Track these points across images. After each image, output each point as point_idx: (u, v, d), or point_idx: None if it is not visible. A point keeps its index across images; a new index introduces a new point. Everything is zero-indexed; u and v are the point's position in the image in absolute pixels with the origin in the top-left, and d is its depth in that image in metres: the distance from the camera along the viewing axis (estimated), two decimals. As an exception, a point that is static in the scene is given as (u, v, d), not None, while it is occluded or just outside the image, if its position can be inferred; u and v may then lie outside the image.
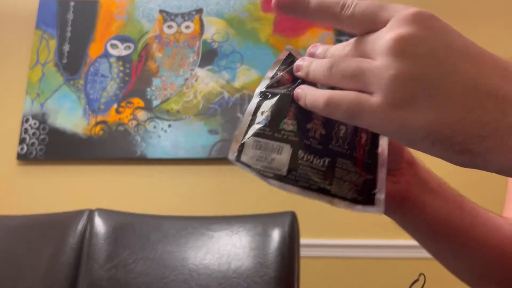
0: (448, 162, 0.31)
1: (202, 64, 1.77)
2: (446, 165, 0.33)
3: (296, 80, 0.37)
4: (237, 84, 1.73)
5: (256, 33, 1.78)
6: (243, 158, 0.36)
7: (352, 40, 0.34)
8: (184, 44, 1.80)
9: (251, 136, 0.36)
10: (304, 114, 0.36)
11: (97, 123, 1.75)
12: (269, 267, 0.95)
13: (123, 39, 1.84)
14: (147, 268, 1.00)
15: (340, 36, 1.72)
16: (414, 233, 0.47)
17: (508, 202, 0.55)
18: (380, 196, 0.36)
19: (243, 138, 0.36)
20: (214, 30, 1.81)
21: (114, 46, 1.84)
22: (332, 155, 0.36)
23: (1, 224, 1.16)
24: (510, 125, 0.27)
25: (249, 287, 0.93)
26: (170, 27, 1.83)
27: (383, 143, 0.38)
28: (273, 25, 1.78)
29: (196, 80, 1.76)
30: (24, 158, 1.75)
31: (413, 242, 0.48)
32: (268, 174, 0.35)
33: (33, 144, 1.75)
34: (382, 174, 0.37)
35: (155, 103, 1.75)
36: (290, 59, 0.39)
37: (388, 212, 0.43)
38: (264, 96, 0.38)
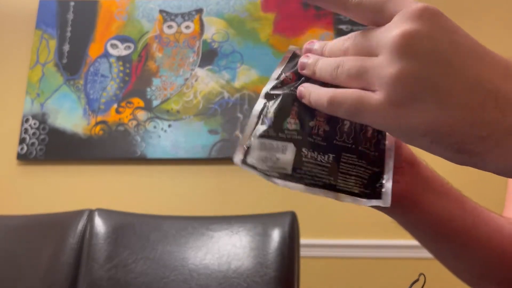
0: (447, 161, 0.31)
1: (202, 64, 1.77)
2: (446, 164, 0.33)
3: (299, 79, 0.37)
4: (237, 84, 1.73)
5: (256, 33, 1.78)
6: (249, 160, 0.36)
7: (352, 35, 0.34)
8: (184, 44, 1.80)
9: (256, 138, 0.37)
10: (306, 112, 0.36)
11: (97, 123, 1.75)
12: (269, 267, 0.95)
13: (123, 39, 1.84)
14: (147, 268, 1.00)
15: (340, 36, 1.72)
16: (414, 232, 0.47)
17: (508, 202, 0.55)
18: (387, 188, 0.36)
19: (249, 140, 0.37)
20: (214, 30, 1.81)
21: (114, 46, 1.84)
22: (337, 151, 0.36)
23: (1, 224, 1.16)
24: (510, 125, 0.27)
25: (249, 287, 0.93)
26: (170, 27, 1.83)
27: (391, 136, 0.39)
28: (273, 25, 1.78)
29: (196, 80, 1.76)
30: (24, 158, 1.75)
31: (413, 242, 0.48)
32: (273, 174, 0.36)
33: (33, 144, 1.75)
34: (389, 166, 0.37)
35: (155, 103, 1.75)
36: (294, 59, 0.40)
37: (386, 210, 0.43)
38: (269, 97, 0.38)
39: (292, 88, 0.37)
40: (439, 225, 0.44)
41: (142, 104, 1.75)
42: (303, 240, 1.09)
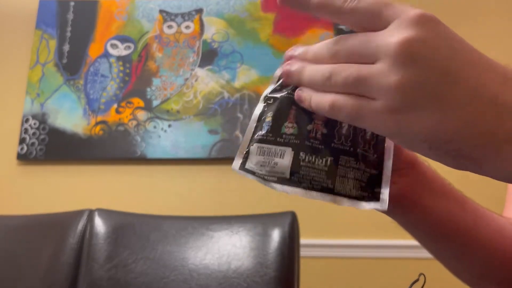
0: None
1: (202, 64, 1.77)
2: (445, 166, 0.33)
3: None
4: (237, 84, 1.73)
5: (256, 33, 1.78)
6: (248, 165, 0.37)
7: (339, 39, 0.33)
8: (184, 44, 1.80)
9: (255, 143, 0.37)
10: (304, 116, 0.36)
11: (97, 123, 1.75)
12: (269, 267, 0.95)
13: (123, 39, 1.84)
14: (147, 268, 1.00)
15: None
16: (414, 233, 0.47)
17: (508, 202, 0.55)
18: (385, 192, 0.36)
19: (248, 145, 0.37)
20: (214, 30, 1.81)
21: (114, 46, 1.84)
22: (335, 154, 0.36)
23: (1, 224, 1.15)
24: (507, 132, 0.28)
25: (249, 287, 0.93)
26: (170, 27, 1.83)
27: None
28: (273, 25, 1.78)
29: (196, 80, 1.76)
30: (24, 158, 1.75)
31: (413, 242, 0.48)
32: (271, 178, 0.36)
33: (33, 144, 1.75)
34: (387, 168, 0.37)
35: (155, 103, 1.75)
36: None
37: (386, 211, 0.43)
38: (268, 101, 0.38)
39: (289, 91, 0.37)
40: (439, 226, 0.44)
41: (142, 104, 1.75)
42: (303, 240, 1.09)
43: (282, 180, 0.36)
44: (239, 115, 1.69)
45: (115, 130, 1.74)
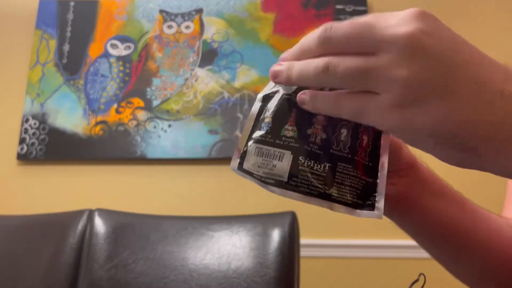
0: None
1: (202, 64, 1.77)
2: (446, 165, 0.33)
3: None
4: (237, 84, 1.73)
5: (256, 33, 1.78)
6: (245, 165, 0.36)
7: (329, 25, 0.31)
8: (184, 44, 1.80)
9: (253, 143, 0.36)
10: (304, 120, 0.36)
11: (97, 123, 1.75)
12: (269, 267, 0.95)
13: (123, 39, 1.84)
14: (147, 268, 1.00)
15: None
16: (413, 234, 0.47)
17: (508, 202, 0.55)
18: (380, 200, 0.36)
19: (246, 145, 0.37)
20: (214, 30, 1.81)
21: (114, 46, 1.84)
22: (333, 160, 0.36)
23: (1, 224, 1.15)
24: None
25: (249, 287, 0.93)
26: (170, 27, 1.83)
27: (385, 146, 0.38)
28: (273, 25, 1.78)
29: (196, 80, 1.76)
30: (24, 158, 1.75)
31: (413, 242, 0.48)
32: (269, 181, 0.36)
33: (33, 144, 1.75)
34: (382, 178, 0.37)
35: (155, 103, 1.75)
36: None
37: (384, 212, 0.43)
38: (265, 101, 0.38)
39: (291, 93, 0.37)
40: (438, 227, 0.44)
41: (142, 104, 1.75)
42: (303, 240, 1.09)
43: (279, 183, 0.35)
44: (239, 115, 1.69)
45: (115, 130, 1.74)
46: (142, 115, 1.74)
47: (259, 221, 1.03)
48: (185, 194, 1.66)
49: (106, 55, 1.83)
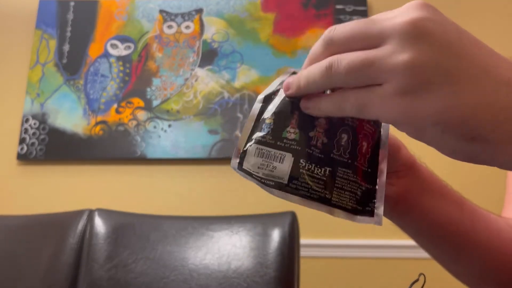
0: (450, 159, 0.30)
1: (202, 64, 1.77)
2: (446, 165, 0.33)
3: None
4: (237, 84, 1.73)
5: (256, 33, 1.78)
6: (245, 165, 0.36)
7: (332, 28, 0.32)
8: (184, 44, 1.80)
9: (253, 143, 0.36)
10: (307, 122, 0.36)
11: (97, 123, 1.75)
12: (269, 267, 0.95)
13: (123, 39, 1.84)
14: (147, 268, 1.00)
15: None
16: (413, 235, 0.47)
17: (507, 202, 0.55)
18: (380, 206, 0.36)
19: (245, 145, 0.36)
20: (214, 30, 1.81)
21: (114, 46, 1.84)
22: (333, 165, 0.36)
23: (1, 224, 1.15)
24: None
25: (249, 287, 0.93)
26: (170, 27, 1.83)
27: (384, 151, 0.38)
28: (273, 25, 1.78)
29: (196, 80, 1.76)
30: (24, 158, 1.75)
31: (413, 242, 0.48)
32: (269, 182, 0.35)
33: (33, 144, 1.75)
34: (381, 184, 0.37)
35: (155, 103, 1.75)
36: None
37: (384, 213, 0.43)
38: (266, 102, 0.38)
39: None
40: (437, 227, 0.44)
41: (142, 104, 1.75)
42: (303, 240, 1.09)
43: (279, 185, 0.35)
44: (239, 115, 1.69)
45: (115, 130, 1.73)
46: (142, 115, 1.74)
47: (259, 221, 1.03)
48: (185, 194, 1.66)
49: (106, 55, 1.83)
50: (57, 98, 1.80)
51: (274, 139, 0.36)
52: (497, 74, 0.27)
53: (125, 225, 1.08)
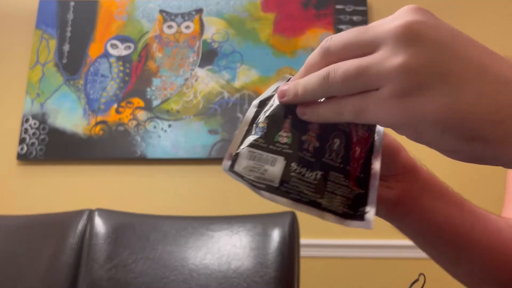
0: (450, 160, 0.30)
1: (202, 64, 1.77)
2: (445, 166, 0.33)
3: None
4: (237, 84, 1.73)
5: (256, 33, 1.78)
6: (237, 168, 0.36)
7: (328, 38, 0.32)
8: (184, 44, 1.80)
9: (246, 146, 0.36)
10: (300, 127, 0.36)
11: (97, 123, 1.75)
12: (269, 267, 0.95)
13: (123, 39, 1.84)
14: (147, 268, 1.00)
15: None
16: (412, 236, 0.47)
17: (507, 202, 0.55)
18: (371, 211, 0.36)
19: (238, 148, 0.37)
20: (214, 30, 1.81)
21: (114, 46, 1.84)
22: (325, 169, 0.36)
23: (1, 224, 1.15)
24: None
25: (249, 287, 0.93)
26: (170, 27, 1.83)
27: (377, 156, 0.38)
28: (273, 25, 1.78)
29: (196, 80, 1.76)
30: (24, 158, 1.75)
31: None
32: (260, 185, 0.35)
33: (33, 144, 1.75)
34: (373, 189, 0.37)
35: (155, 103, 1.75)
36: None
37: (380, 215, 0.43)
38: (261, 107, 0.38)
39: None
40: (437, 229, 0.44)
41: (142, 104, 1.76)
42: (303, 240, 1.09)
43: (270, 188, 0.35)
44: (239, 115, 1.69)
45: (115, 130, 1.74)
46: (142, 115, 1.74)
47: (259, 221, 1.03)
48: (185, 194, 1.66)
49: (106, 55, 1.83)
50: (57, 98, 1.80)
51: (266, 143, 0.36)
52: (495, 73, 0.27)
53: (125, 225, 1.08)
